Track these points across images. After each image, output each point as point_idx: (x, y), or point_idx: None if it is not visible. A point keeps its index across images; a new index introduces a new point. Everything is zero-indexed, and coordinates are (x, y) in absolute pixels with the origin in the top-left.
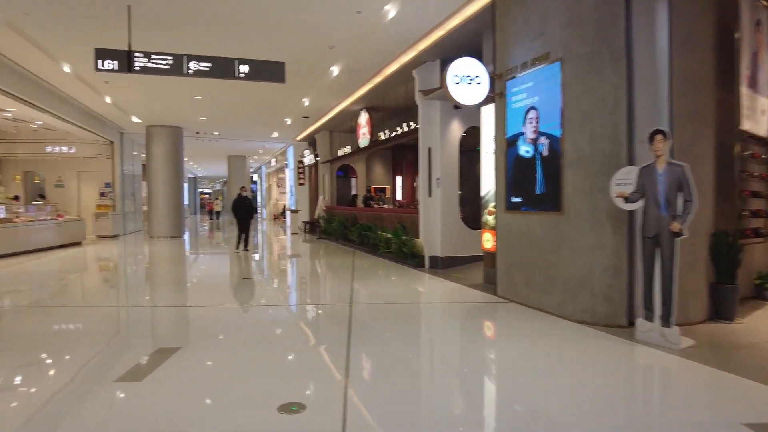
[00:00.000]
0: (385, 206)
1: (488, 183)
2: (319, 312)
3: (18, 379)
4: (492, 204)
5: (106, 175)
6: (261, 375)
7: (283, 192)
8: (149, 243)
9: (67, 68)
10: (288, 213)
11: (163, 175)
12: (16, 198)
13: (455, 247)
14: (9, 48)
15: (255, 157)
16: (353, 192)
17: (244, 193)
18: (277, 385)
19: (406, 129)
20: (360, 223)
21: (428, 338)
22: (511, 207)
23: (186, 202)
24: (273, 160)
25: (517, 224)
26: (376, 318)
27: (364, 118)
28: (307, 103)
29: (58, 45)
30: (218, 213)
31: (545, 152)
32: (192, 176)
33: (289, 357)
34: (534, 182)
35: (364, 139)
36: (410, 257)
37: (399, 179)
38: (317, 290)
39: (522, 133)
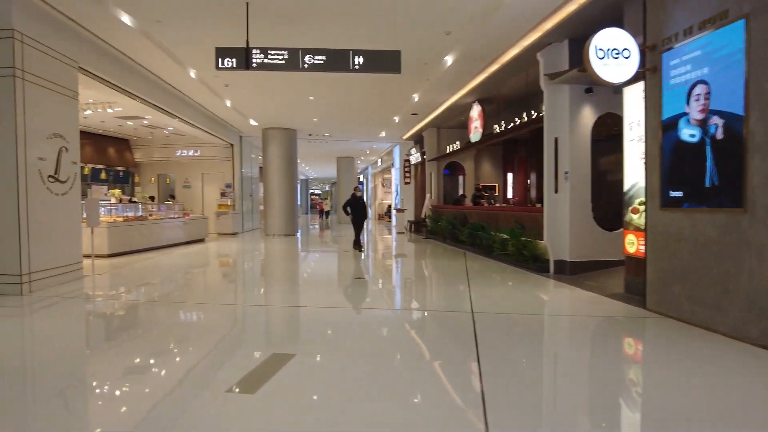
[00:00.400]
0: (496, 204)
1: (633, 176)
2: (438, 320)
3: (127, 384)
4: (638, 200)
5: (227, 177)
6: (381, 399)
7: (388, 191)
8: (265, 240)
9: (192, 73)
10: (393, 212)
11: (278, 175)
12: (152, 198)
13: (586, 251)
14: (144, 57)
15: (362, 157)
16: (461, 191)
17: (359, 194)
18: (406, 416)
19: (525, 119)
20: (470, 223)
21: (574, 361)
22: (669, 203)
23: (298, 202)
24: (379, 161)
25: (677, 224)
26: (505, 332)
27: (476, 111)
28: (416, 99)
29: (184, 49)
30: (327, 212)
31: (719, 135)
32: (303, 178)
33: (412, 376)
34: (702, 172)
35: (476, 133)
36: (531, 261)
37: (510, 176)
38: (432, 294)
39: (684, 114)
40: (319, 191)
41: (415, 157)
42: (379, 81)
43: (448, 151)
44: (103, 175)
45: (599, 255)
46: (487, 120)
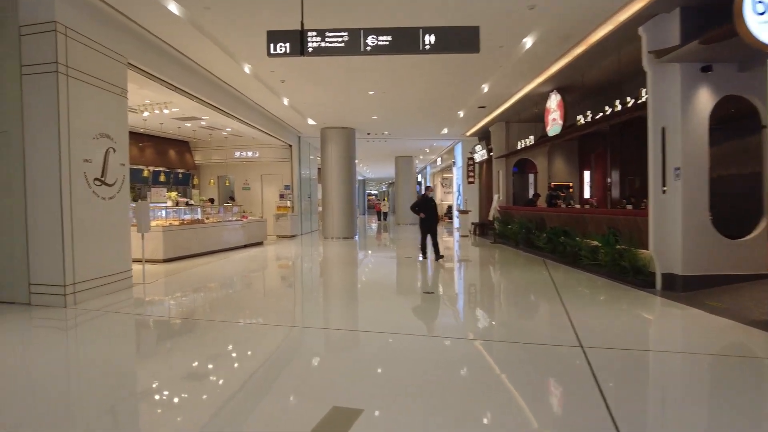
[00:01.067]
0: (576, 206)
1: None
2: (539, 357)
3: None
4: None
5: (286, 178)
6: None
7: (448, 192)
8: (323, 244)
9: (246, 68)
10: (456, 213)
11: (336, 176)
12: (211, 200)
13: (704, 263)
14: (196, 51)
15: (421, 156)
16: (531, 190)
17: (431, 194)
18: None
19: (618, 107)
20: (549, 227)
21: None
22: None
23: (356, 204)
24: (439, 159)
25: None
26: (636, 380)
27: (554, 100)
28: (485, 90)
29: (235, 38)
30: (385, 214)
31: None
32: (361, 178)
33: None
34: None
35: (554, 125)
36: (631, 273)
37: (586, 174)
38: (523, 317)
39: None
40: (375, 192)
41: (480, 155)
42: (447, 72)
43: (519, 147)
44: (162, 178)
45: (719, 268)
46: (568, 111)
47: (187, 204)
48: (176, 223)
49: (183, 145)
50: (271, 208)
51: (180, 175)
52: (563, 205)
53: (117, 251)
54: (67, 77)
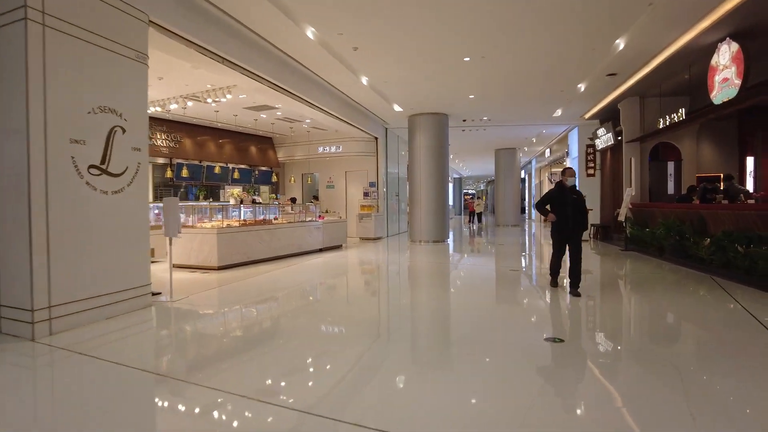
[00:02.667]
0: (749, 201)
1: None
2: None
3: None
4: None
5: (371, 175)
6: None
7: None
8: (410, 249)
9: (310, 32)
10: None
11: (425, 170)
12: (292, 200)
13: None
14: (252, 15)
15: (525, 148)
16: (672, 183)
17: (570, 181)
18: None
19: None
20: (719, 231)
21: None
22: None
23: (451, 203)
24: (547, 151)
25: None
26: None
27: (727, 53)
28: (621, 47)
29: None
30: (479, 215)
31: None
32: (457, 176)
33: None
34: None
35: (725, 89)
36: None
37: (750, 161)
38: (739, 411)
39: None
40: (473, 191)
41: (603, 140)
42: (567, 23)
43: (661, 126)
44: (236, 174)
45: None
46: (751, 65)
47: (254, 202)
48: (235, 224)
49: (266, 142)
50: (355, 207)
51: (260, 173)
52: (723, 201)
53: (128, 261)
54: (43, 27)
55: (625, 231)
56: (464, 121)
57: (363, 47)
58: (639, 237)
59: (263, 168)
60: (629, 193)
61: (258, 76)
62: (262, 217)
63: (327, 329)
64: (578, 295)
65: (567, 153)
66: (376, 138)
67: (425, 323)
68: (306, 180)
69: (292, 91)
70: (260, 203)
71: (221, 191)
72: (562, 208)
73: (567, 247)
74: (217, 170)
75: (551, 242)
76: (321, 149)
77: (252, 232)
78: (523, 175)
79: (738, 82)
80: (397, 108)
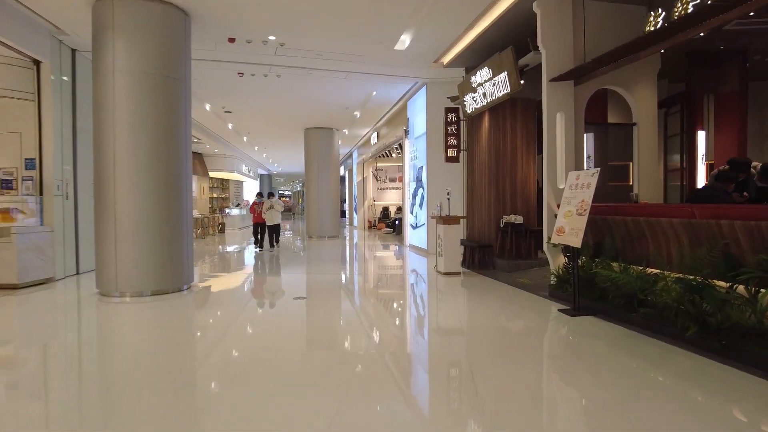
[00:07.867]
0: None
1: None
2: None
3: None
4: None
5: (28, 137)
6: None
7: (382, 188)
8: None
9: None
10: (415, 221)
11: (127, 128)
12: None
13: None
14: None
15: (346, 131)
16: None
17: None
18: None
19: None
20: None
21: None
22: None
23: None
24: (374, 135)
25: None
26: None
27: None
28: None
29: None
30: (276, 229)
31: None
32: (265, 172)
33: None
34: None
35: None
36: None
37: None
38: None
39: None
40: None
41: (486, 93)
42: None
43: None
44: None
45: None
46: None
47: None
48: None
49: None
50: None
51: None
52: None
53: None
54: None
55: (574, 272)
56: (232, 40)
57: None
58: (621, 288)
59: None
60: (570, 189)
61: None
62: None
63: None
64: None
65: (406, 132)
66: (38, 62)
67: None
68: None
69: None
70: None
71: None
72: None
73: None
74: None
75: None
76: None
77: None
78: (342, 172)
79: None
80: None
